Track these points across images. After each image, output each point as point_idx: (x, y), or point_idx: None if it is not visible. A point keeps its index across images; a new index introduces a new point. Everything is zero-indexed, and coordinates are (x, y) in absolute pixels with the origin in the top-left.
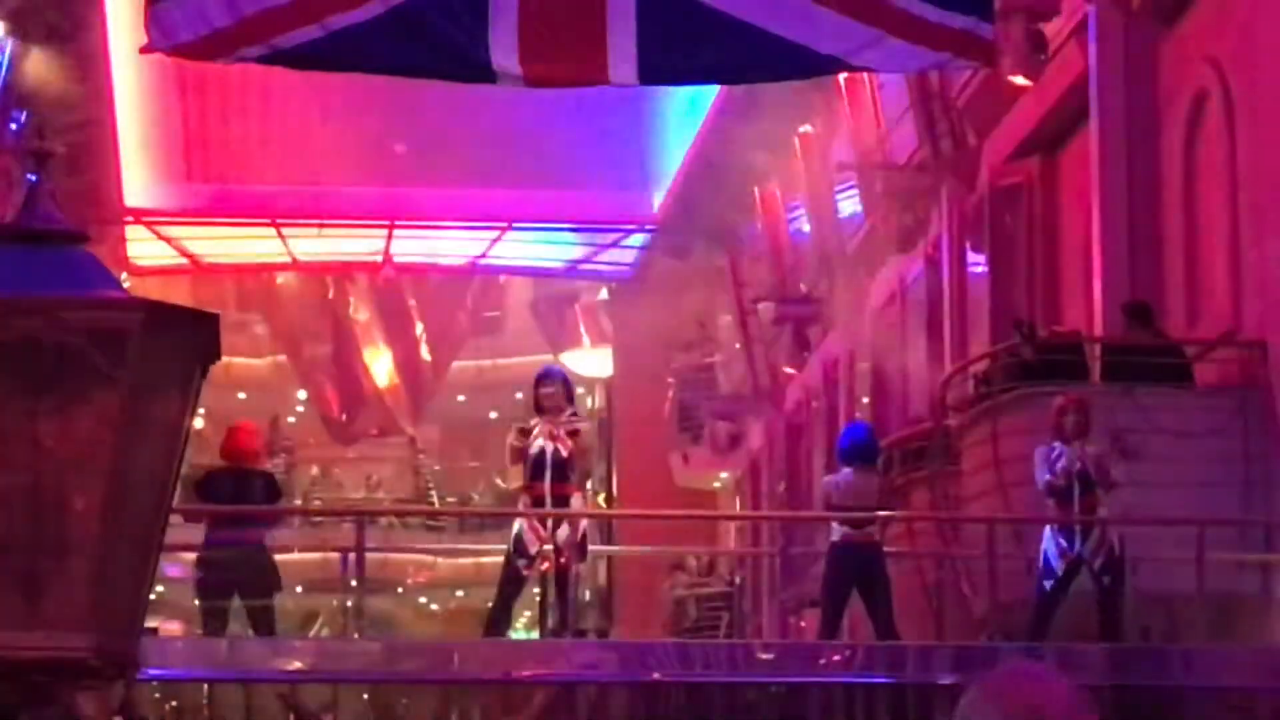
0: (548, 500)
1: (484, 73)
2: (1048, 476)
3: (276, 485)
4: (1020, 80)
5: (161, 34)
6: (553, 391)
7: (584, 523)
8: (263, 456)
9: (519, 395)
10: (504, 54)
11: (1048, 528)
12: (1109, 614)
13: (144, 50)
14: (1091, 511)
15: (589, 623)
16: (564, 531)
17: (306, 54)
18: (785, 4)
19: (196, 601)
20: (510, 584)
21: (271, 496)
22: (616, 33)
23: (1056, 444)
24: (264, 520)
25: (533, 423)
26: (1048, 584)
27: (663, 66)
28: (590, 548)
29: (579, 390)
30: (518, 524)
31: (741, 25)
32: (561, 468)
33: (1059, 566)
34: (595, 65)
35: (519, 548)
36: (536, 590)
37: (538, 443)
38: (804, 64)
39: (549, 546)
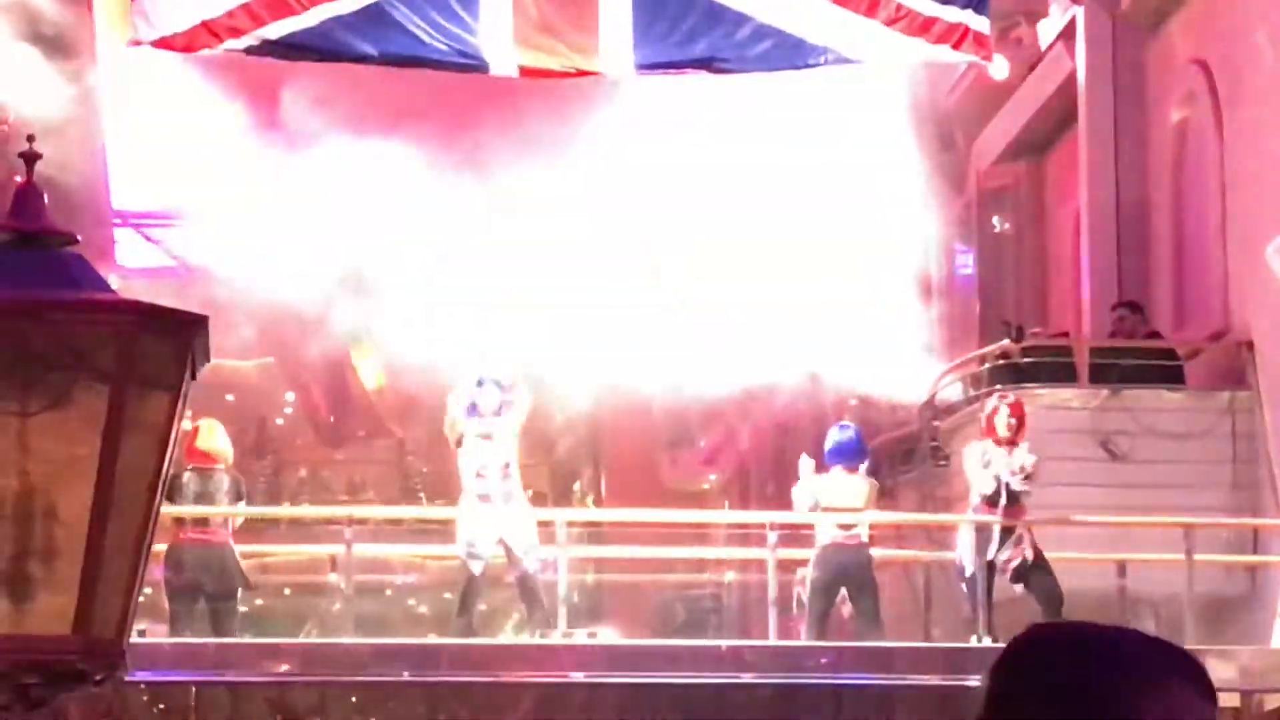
0: (497, 499)
1: (476, 62)
2: (993, 483)
3: (240, 483)
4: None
5: (148, 26)
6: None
7: (530, 522)
8: (223, 455)
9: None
10: (496, 43)
11: (965, 532)
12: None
13: (131, 43)
14: (1018, 515)
15: (577, 624)
16: (512, 530)
17: (294, 44)
18: None
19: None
20: (471, 587)
21: (235, 495)
22: (610, 23)
23: (988, 446)
24: (228, 520)
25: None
26: (964, 586)
27: (656, 57)
28: (579, 549)
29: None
30: (465, 526)
31: (736, 16)
32: (507, 468)
33: (969, 568)
34: (589, 56)
35: (471, 550)
36: None
37: (482, 443)
38: (798, 55)
39: (499, 547)
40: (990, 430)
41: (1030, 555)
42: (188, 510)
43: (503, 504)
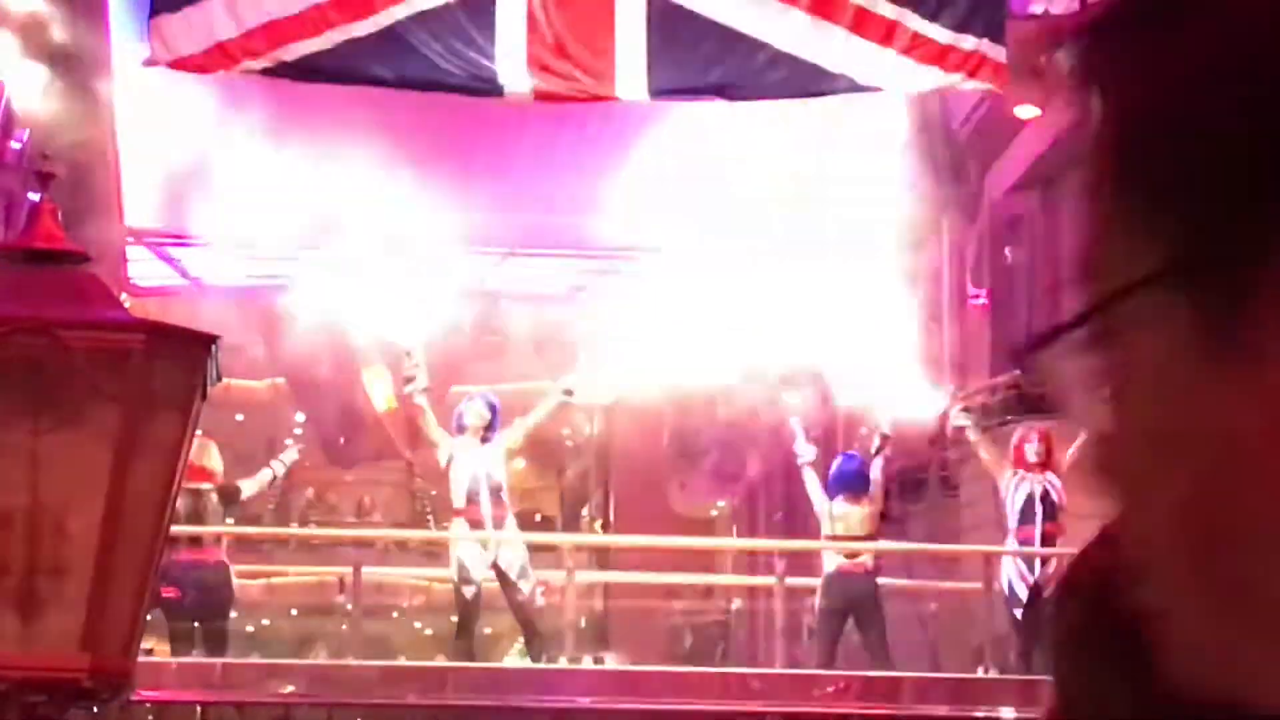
0: (488, 523)
1: (490, 86)
2: (1035, 504)
3: (231, 501)
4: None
5: (164, 47)
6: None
7: (522, 546)
8: (214, 473)
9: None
10: (511, 68)
11: (1006, 556)
12: None
13: (146, 63)
14: (1054, 537)
15: (584, 649)
16: (506, 554)
17: (310, 66)
18: (796, 22)
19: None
20: (467, 612)
21: (226, 514)
22: (626, 48)
23: (1019, 471)
24: (220, 538)
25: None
26: (1018, 612)
27: (672, 83)
28: (587, 574)
29: (578, 416)
30: (456, 550)
31: (752, 42)
32: (498, 491)
33: (1023, 593)
34: (604, 81)
35: (463, 574)
36: None
37: (473, 466)
38: (815, 82)
39: (491, 571)
40: (1020, 459)
41: None
42: (180, 530)
43: (494, 528)
